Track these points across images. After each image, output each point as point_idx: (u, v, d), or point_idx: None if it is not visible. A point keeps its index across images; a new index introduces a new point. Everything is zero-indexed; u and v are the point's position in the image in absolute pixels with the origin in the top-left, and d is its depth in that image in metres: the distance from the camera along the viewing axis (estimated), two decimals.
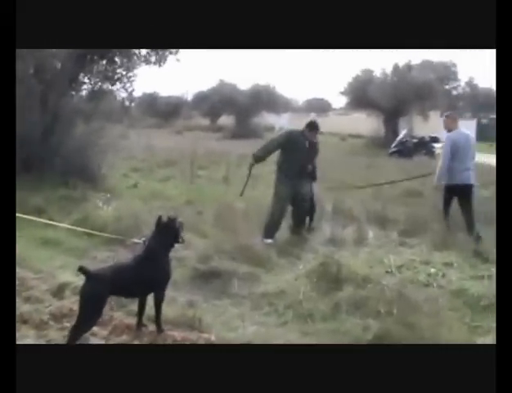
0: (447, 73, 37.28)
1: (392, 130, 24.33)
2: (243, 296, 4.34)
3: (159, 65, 9.36)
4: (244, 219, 6.31)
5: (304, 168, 6.12)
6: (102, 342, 3.39)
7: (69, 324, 3.39)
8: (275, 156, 6.38)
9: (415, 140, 20.25)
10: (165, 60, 9.35)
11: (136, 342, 3.39)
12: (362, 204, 7.96)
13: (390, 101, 23.77)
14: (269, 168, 6.23)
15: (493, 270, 4.63)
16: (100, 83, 9.48)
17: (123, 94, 9.84)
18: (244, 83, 48.09)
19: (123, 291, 3.46)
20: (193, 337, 3.45)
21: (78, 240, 5.58)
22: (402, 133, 21.12)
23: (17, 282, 3.85)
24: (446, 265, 5.13)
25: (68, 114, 8.71)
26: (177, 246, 3.65)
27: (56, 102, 8.36)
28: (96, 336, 3.42)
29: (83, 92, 9.76)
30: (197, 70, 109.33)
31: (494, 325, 3.46)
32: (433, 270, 4.94)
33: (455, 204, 6.42)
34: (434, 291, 4.43)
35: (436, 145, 18.73)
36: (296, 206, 6.22)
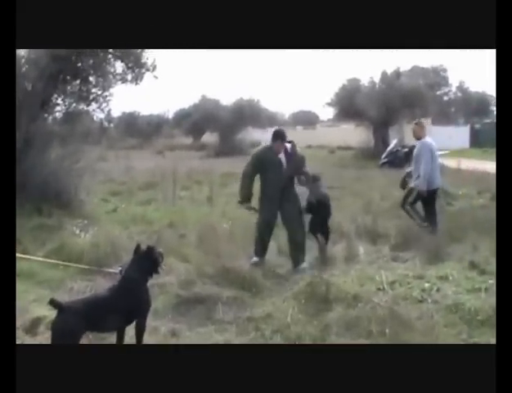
0: (438, 78, 37.07)
1: (383, 140, 23.54)
2: (228, 322, 4.19)
3: (136, 83, 9.15)
4: (229, 241, 6.09)
5: (288, 181, 5.90)
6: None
7: None
8: None
9: (406, 149, 18.33)
10: (142, 77, 9.13)
11: None
12: (352, 218, 7.81)
13: (379, 110, 23.00)
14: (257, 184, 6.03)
15: (490, 282, 4.50)
16: (74, 104, 9.17)
17: (101, 115, 9.59)
18: (226, 99, 47.91)
19: (99, 325, 3.31)
20: None
21: (54, 270, 5.36)
22: (393, 143, 20.31)
23: None
24: (440, 279, 5.00)
25: (41, 137, 8.34)
26: None
27: (27, 126, 8.00)
28: None
29: (57, 114, 9.45)
30: (177, 86, 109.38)
31: (492, 340, 3.38)
32: (427, 285, 4.81)
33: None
34: (429, 307, 4.31)
35: None
36: (287, 229, 5.91)
